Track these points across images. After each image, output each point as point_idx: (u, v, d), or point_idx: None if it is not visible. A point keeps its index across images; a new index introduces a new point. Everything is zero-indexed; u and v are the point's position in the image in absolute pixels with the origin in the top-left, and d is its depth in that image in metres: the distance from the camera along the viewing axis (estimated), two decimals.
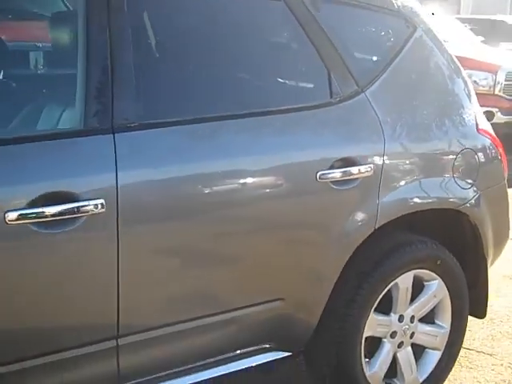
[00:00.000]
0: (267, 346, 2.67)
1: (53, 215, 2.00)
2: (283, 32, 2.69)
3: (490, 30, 11.91)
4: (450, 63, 3.08)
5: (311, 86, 2.70)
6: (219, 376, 2.60)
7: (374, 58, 2.86)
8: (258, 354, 2.66)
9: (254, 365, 2.67)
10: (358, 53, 2.80)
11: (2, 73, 2.36)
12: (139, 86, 2.23)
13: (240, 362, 2.63)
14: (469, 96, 3.12)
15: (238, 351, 2.61)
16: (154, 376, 2.38)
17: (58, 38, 2.40)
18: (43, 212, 1.98)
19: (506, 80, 8.58)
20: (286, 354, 2.73)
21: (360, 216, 2.66)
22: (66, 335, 2.17)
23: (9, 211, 1.94)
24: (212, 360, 2.54)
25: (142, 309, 2.28)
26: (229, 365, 2.60)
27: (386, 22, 2.92)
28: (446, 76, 3.06)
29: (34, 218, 1.98)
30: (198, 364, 2.51)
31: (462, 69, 3.14)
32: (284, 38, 2.73)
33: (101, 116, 2.12)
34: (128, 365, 2.29)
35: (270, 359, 2.70)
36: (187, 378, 2.49)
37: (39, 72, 2.33)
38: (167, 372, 2.41)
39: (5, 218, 1.93)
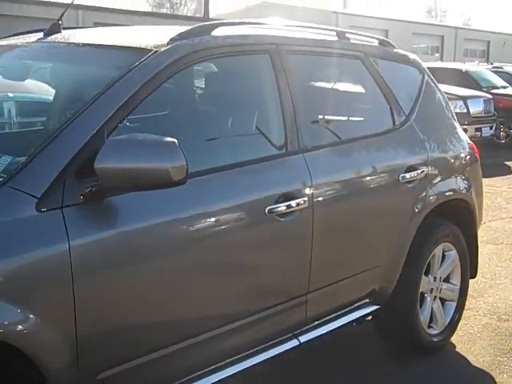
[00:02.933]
0: (367, 301, 3.77)
1: (286, 208, 3.01)
2: (363, 82, 3.88)
3: None
4: (444, 96, 4.39)
5: (383, 117, 3.87)
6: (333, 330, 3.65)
7: (409, 96, 4.09)
8: (360, 309, 3.75)
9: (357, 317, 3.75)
10: (400, 92, 4.01)
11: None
12: (307, 122, 3.30)
13: (350, 315, 3.70)
14: (455, 119, 4.44)
15: (352, 306, 3.69)
16: (320, 321, 3.43)
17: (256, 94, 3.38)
18: (282, 206, 2.99)
19: None
20: (377, 306, 3.83)
21: (419, 205, 3.85)
22: (275, 295, 3.17)
23: (266, 207, 2.94)
24: (338, 313, 3.61)
25: (323, 272, 3.32)
26: (343, 318, 3.66)
27: (409, 70, 4.18)
28: (444, 106, 4.36)
29: (277, 210, 2.98)
30: (333, 315, 3.57)
31: (447, 100, 4.46)
32: (364, 86, 3.92)
33: (294, 143, 3.18)
34: (312, 311, 3.33)
35: (368, 312, 3.80)
36: (326, 326, 3.53)
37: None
38: (327, 318, 3.46)
39: (265, 211, 2.93)
